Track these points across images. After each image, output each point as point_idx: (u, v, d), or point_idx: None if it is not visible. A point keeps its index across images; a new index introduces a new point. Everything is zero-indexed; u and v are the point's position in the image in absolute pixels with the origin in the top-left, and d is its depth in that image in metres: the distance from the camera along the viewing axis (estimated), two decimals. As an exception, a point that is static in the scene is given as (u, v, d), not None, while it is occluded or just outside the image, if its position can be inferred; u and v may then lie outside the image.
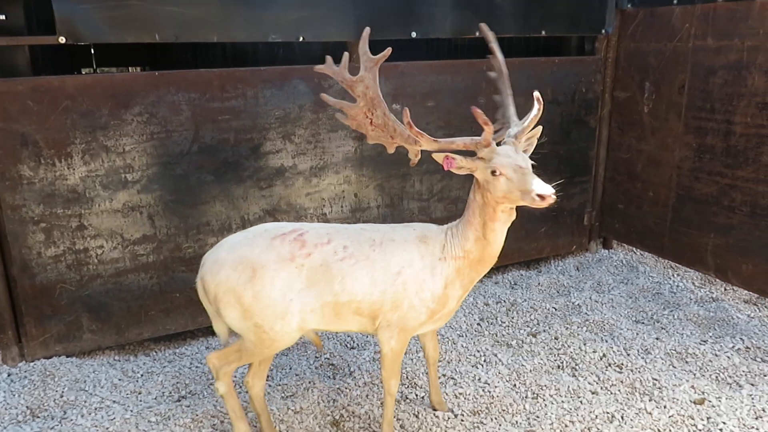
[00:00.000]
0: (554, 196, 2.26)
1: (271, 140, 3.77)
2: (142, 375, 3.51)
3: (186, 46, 9.59)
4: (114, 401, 3.25)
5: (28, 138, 3.23)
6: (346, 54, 2.42)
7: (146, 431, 3.00)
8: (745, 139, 3.94)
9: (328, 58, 2.43)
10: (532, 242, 4.86)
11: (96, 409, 3.18)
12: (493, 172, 2.35)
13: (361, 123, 2.46)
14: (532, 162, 2.41)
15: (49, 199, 3.34)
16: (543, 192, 2.25)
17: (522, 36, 4.71)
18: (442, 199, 4.41)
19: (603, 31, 4.73)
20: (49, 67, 5.88)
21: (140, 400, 3.28)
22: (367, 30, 2.40)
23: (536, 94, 2.29)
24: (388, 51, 2.35)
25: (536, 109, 2.35)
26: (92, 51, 10.41)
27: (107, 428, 3.02)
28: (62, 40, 3.19)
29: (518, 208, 2.46)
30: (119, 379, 3.45)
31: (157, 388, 3.38)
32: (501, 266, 4.86)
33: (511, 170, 2.32)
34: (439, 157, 2.43)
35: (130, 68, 11.34)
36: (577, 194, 4.97)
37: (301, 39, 3.72)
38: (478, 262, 2.53)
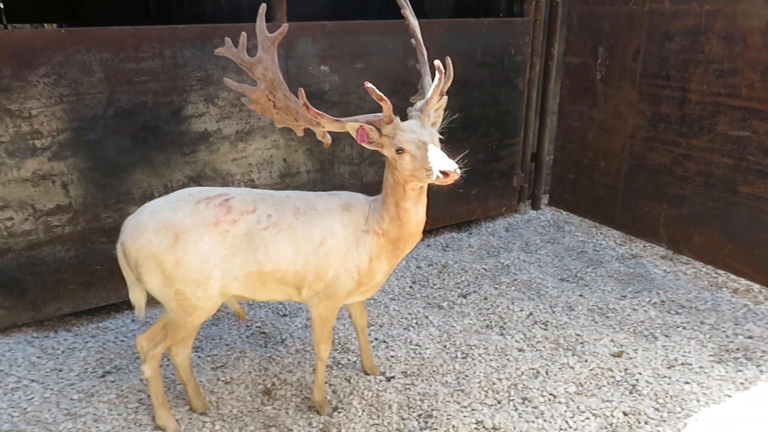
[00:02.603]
0: (458, 172, 2.14)
1: (193, 103, 3.60)
2: (63, 351, 3.36)
3: (107, 4, 9.04)
4: (32, 380, 3.10)
5: None
6: (243, 34, 2.32)
7: (68, 410, 2.88)
8: (700, 108, 3.86)
9: (227, 40, 2.32)
10: (463, 205, 4.91)
11: (12, 389, 3.03)
12: (398, 150, 2.26)
13: (265, 107, 2.36)
14: (441, 136, 2.34)
15: (-53, 168, 3.09)
16: (445, 168, 2.13)
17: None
18: (373, 163, 4.37)
19: (531, -8, 4.74)
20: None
21: (61, 378, 3.14)
22: (263, 6, 2.28)
23: (437, 62, 2.13)
24: (285, 28, 2.24)
25: (437, 79, 2.17)
26: (2, 6, 9.69)
27: (25, 409, 2.88)
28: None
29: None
30: (38, 357, 3.29)
31: (80, 364, 3.25)
32: (433, 229, 4.90)
33: (414, 146, 2.22)
34: (353, 131, 2.32)
35: (45, 25, 10.60)
36: (506, 156, 5.04)
37: (220, -4, 3.54)
38: (398, 240, 2.49)
